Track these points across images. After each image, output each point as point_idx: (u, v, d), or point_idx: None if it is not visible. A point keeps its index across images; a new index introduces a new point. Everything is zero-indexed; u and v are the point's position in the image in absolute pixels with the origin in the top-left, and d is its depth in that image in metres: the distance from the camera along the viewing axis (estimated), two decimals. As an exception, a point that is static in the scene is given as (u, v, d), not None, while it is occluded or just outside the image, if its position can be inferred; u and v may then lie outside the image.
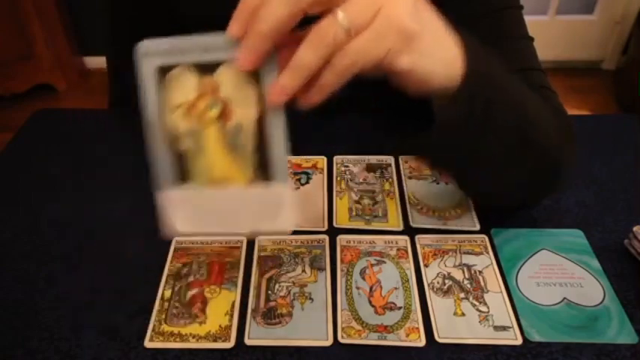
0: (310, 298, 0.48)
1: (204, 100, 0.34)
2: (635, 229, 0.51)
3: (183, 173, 0.37)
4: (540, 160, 0.49)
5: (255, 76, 0.34)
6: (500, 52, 0.52)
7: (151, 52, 0.35)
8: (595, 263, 0.51)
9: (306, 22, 0.33)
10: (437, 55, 0.38)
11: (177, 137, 0.36)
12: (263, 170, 0.36)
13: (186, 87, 0.35)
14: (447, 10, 0.45)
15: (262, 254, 0.52)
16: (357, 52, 0.33)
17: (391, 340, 0.45)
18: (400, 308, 0.47)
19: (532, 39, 0.60)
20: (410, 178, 0.62)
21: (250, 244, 0.54)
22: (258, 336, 0.45)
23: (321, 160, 0.64)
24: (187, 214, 0.38)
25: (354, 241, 0.54)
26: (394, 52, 0.34)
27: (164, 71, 0.35)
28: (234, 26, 0.33)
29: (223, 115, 0.35)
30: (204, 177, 0.36)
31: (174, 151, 0.37)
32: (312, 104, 0.34)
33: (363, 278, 0.50)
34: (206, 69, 0.34)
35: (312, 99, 0.34)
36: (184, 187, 0.37)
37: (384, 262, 0.52)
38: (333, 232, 0.55)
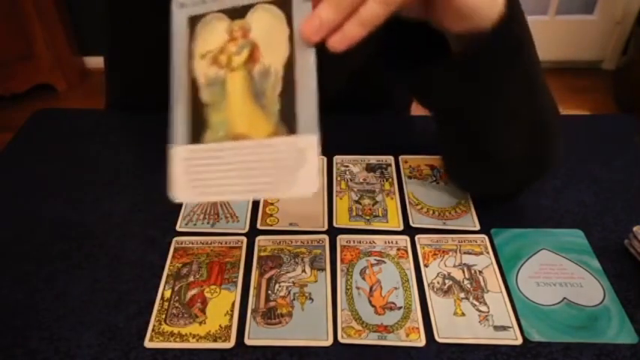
0: (310, 298, 0.48)
1: (235, 44, 0.34)
2: (635, 229, 0.51)
3: (200, 128, 0.35)
4: (540, 130, 0.50)
5: (287, 16, 0.32)
6: None
7: (186, 3, 0.35)
8: (595, 263, 0.51)
9: None
10: None
11: (201, 87, 0.35)
12: (288, 121, 0.33)
13: (216, 32, 0.34)
14: None
15: (262, 254, 0.52)
16: None
17: (391, 340, 0.45)
18: (400, 308, 0.47)
19: None
20: (410, 178, 0.62)
21: (250, 244, 0.54)
22: (258, 336, 0.45)
23: (321, 160, 0.64)
24: (194, 176, 0.35)
25: (354, 241, 0.54)
26: None
27: (196, 20, 0.34)
28: None
29: (251, 58, 0.33)
30: (223, 130, 0.34)
31: (195, 105, 0.35)
32: (346, 45, 0.32)
33: (363, 278, 0.50)
34: (237, 13, 0.33)
35: (349, 37, 0.31)
36: (197, 144, 0.35)
37: (384, 262, 0.52)
38: (333, 232, 0.55)
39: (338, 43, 0.31)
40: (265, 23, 0.33)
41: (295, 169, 0.32)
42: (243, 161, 0.33)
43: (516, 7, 0.42)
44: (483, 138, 0.50)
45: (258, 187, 0.33)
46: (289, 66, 0.32)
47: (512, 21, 0.41)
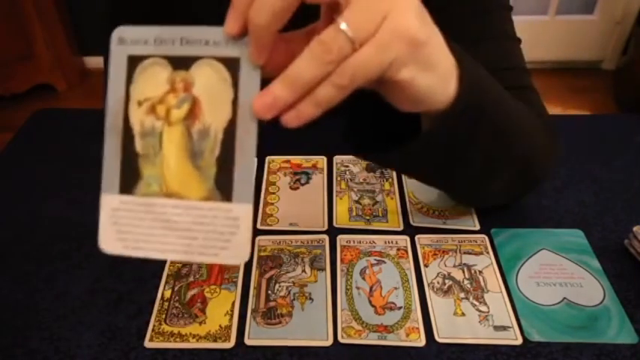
0: (310, 298, 0.48)
1: (175, 96, 0.32)
2: (635, 229, 0.51)
3: (132, 179, 0.33)
4: (523, 171, 0.50)
5: (234, 78, 0.31)
6: (485, 52, 0.52)
7: (127, 40, 0.32)
8: (595, 263, 0.51)
9: (293, 25, 0.31)
10: (438, 68, 0.35)
11: (136, 135, 0.33)
12: (223, 188, 0.32)
13: (156, 80, 0.32)
14: (434, 9, 0.44)
15: (262, 254, 0.52)
16: (361, 66, 0.30)
17: (391, 340, 0.45)
18: (400, 308, 0.47)
19: (519, 40, 0.59)
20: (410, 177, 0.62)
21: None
22: (258, 336, 0.45)
23: (321, 160, 0.64)
24: (122, 228, 0.34)
25: (354, 241, 0.54)
26: (398, 62, 0.32)
27: (136, 61, 0.32)
28: (231, 21, 0.30)
29: (191, 114, 0.32)
30: (156, 184, 0.33)
31: (129, 153, 0.33)
32: (300, 123, 0.31)
33: (363, 278, 0.50)
34: (181, 63, 0.32)
35: (303, 116, 0.31)
36: (128, 195, 0.33)
37: (384, 262, 0.52)
38: (333, 232, 0.55)
39: (291, 120, 0.31)
40: (210, 80, 0.31)
41: (227, 237, 0.32)
42: (174, 221, 0.33)
43: (472, 73, 0.39)
44: (459, 189, 0.51)
45: (188, 249, 0.33)
46: (230, 131, 0.31)
47: (469, 94, 0.38)
